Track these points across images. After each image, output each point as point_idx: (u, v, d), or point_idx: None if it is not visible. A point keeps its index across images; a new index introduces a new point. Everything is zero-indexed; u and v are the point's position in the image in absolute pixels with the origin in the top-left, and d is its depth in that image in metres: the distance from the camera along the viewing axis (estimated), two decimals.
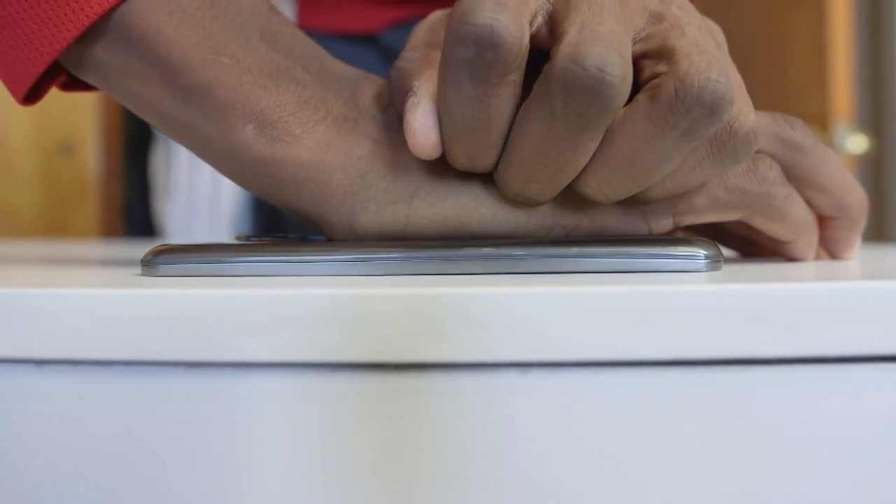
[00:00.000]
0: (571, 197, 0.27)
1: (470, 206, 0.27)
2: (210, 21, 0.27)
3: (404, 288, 0.20)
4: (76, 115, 1.64)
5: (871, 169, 1.93)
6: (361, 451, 0.21)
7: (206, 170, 2.03)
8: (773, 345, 0.21)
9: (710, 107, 0.23)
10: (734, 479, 0.21)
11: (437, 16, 0.30)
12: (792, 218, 0.29)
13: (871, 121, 1.93)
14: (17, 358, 0.21)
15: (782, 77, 1.59)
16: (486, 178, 0.27)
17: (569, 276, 0.24)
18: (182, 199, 2.03)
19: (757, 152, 0.29)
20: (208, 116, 0.27)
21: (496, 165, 0.26)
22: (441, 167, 0.27)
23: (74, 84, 0.31)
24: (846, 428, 0.21)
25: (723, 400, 0.21)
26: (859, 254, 0.37)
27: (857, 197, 0.31)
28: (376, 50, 0.68)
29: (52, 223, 1.65)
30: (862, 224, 0.32)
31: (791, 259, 0.32)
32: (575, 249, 0.25)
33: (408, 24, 0.66)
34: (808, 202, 0.31)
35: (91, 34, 0.27)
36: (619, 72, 0.22)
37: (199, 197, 2.02)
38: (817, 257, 0.33)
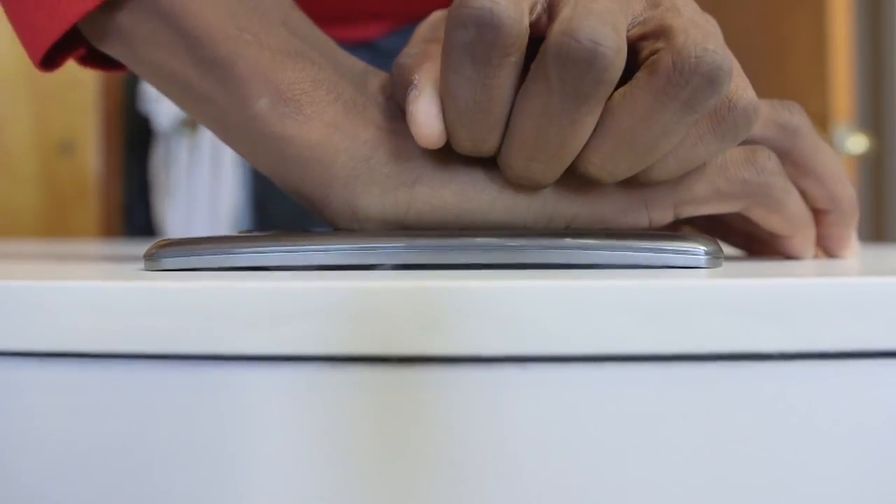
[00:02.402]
0: (571, 186, 0.27)
1: (471, 193, 0.27)
2: (235, 3, 0.29)
3: (406, 281, 0.20)
4: (76, 115, 1.64)
5: (871, 169, 1.93)
6: (363, 443, 0.21)
7: (205, 170, 2.03)
8: (774, 340, 0.21)
9: (709, 76, 0.23)
10: (736, 473, 0.21)
11: (438, 14, 0.30)
12: (789, 210, 0.29)
13: (871, 121, 1.93)
14: (19, 351, 0.21)
15: (782, 77, 1.59)
16: (488, 167, 0.27)
17: (570, 271, 0.24)
18: (182, 199, 2.03)
19: (755, 141, 0.30)
20: (227, 89, 0.28)
21: (499, 149, 0.26)
22: (443, 154, 0.27)
23: (93, 60, 0.32)
24: (847, 423, 0.21)
25: (724, 395, 0.21)
26: (859, 253, 0.37)
27: (848, 190, 0.32)
28: (373, 53, 0.68)
29: (52, 223, 1.65)
30: (854, 220, 0.32)
31: (790, 256, 0.32)
32: (575, 242, 0.25)
33: (406, 30, 0.67)
34: (803, 193, 0.31)
35: (117, 2, 0.28)
36: (612, 43, 0.22)
37: (199, 197, 2.02)
38: (816, 256, 0.33)
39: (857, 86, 1.83)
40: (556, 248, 0.25)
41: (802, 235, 0.31)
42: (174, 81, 0.29)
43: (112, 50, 0.30)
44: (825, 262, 0.31)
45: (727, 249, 0.37)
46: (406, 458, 0.21)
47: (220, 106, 0.29)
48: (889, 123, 1.92)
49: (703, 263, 0.25)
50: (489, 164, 0.27)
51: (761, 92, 0.32)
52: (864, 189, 1.94)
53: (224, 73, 0.28)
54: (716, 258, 0.25)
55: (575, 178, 0.27)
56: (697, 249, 0.25)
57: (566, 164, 0.26)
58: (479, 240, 0.25)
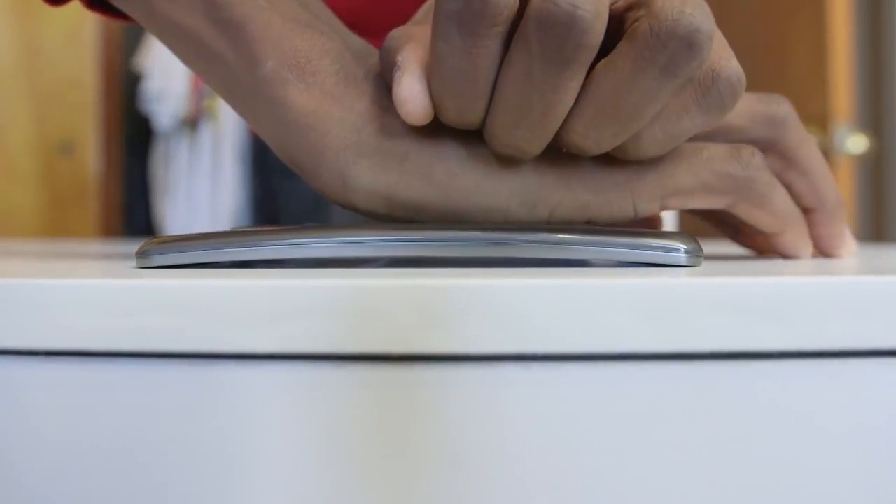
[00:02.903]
0: (557, 172, 0.27)
1: (458, 173, 0.27)
2: None
3: (406, 279, 0.20)
4: (76, 115, 1.64)
5: (871, 169, 1.93)
6: (363, 442, 0.21)
7: (205, 170, 2.04)
8: (774, 339, 0.21)
9: (686, 40, 0.23)
10: (736, 472, 0.21)
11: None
12: (776, 206, 0.30)
13: (871, 121, 1.93)
14: (15, 349, 0.21)
15: (782, 77, 1.59)
16: (476, 149, 0.28)
17: (572, 269, 0.24)
18: (182, 199, 2.04)
19: (743, 131, 0.31)
20: (238, 49, 0.29)
21: (485, 120, 0.27)
22: (433, 135, 0.28)
23: (98, 5, 0.34)
24: (847, 423, 0.21)
25: (725, 393, 0.21)
26: (859, 253, 0.37)
27: (833, 188, 0.32)
28: None
29: (52, 223, 1.65)
30: (842, 217, 0.33)
31: (785, 255, 0.32)
32: (555, 237, 0.25)
33: None
34: (789, 188, 0.31)
35: None
36: (591, 7, 0.23)
37: (198, 197, 2.02)
38: (813, 256, 0.33)
39: (857, 86, 1.83)
40: (536, 242, 0.25)
41: (792, 232, 0.31)
42: (187, 39, 0.30)
43: (125, 3, 0.31)
44: (824, 262, 0.31)
45: (727, 248, 0.37)
46: (406, 457, 0.21)
47: (230, 66, 0.29)
48: (889, 123, 1.92)
49: (682, 261, 0.25)
50: (477, 146, 0.28)
51: (761, 92, 0.33)
52: (864, 189, 1.94)
53: (237, 33, 0.29)
54: (696, 256, 0.26)
55: (561, 166, 0.28)
56: (677, 247, 0.25)
57: (551, 131, 0.26)
58: (462, 233, 0.25)
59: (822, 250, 0.33)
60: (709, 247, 0.43)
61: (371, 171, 0.28)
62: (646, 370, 0.21)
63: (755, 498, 0.21)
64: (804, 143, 0.31)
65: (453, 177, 0.27)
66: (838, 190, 0.32)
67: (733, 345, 0.21)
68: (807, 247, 0.32)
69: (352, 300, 0.20)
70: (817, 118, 1.54)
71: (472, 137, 0.28)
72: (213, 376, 0.21)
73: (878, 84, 1.95)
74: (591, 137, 0.26)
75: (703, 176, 0.28)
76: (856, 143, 1.54)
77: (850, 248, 0.33)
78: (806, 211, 0.32)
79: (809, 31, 1.56)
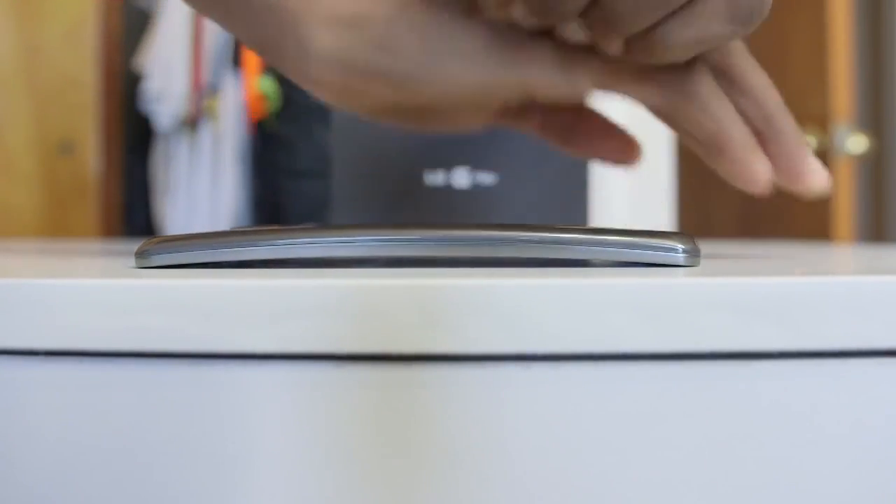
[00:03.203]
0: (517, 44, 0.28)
1: (419, 40, 0.28)
2: None
3: (407, 279, 0.20)
4: (76, 115, 1.64)
5: (871, 169, 1.93)
6: (364, 442, 0.21)
7: (205, 170, 2.04)
8: (774, 339, 0.21)
9: None
10: (736, 472, 0.21)
11: None
12: (714, 108, 0.29)
13: (871, 121, 1.93)
14: (14, 349, 0.21)
15: (782, 77, 1.58)
16: (440, 18, 0.28)
17: (572, 269, 0.24)
18: (182, 199, 2.04)
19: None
20: None
21: None
22: (395, 4, 0.28)
23: None
24: (847, 423, 0.21)
25: (725, 393, 0.21)
26: (858, 252, 0.37)
27: (786, 113, 0.30)
28: None
29: (51, 223, 1.65)
30: (802, 139, 0.30)
31: (743, 182, 0.29)
32: (556, 236, 0.25)
33: None
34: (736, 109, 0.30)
35: None
36: None
37: (199, 197, 2.02)
38: (778, 188, 0.30)
39: (857, 86, 1.83)
40: (536, 242, 0.25)
41: (740, 142, 0.29)
42: None
43: None
44: (824, 262, 0.31)
45: (725, 248, 0.37)
46: (407, 457, 0.21)
47: None
48: (889, 123, 1.92)
49: (680, 261, 0.26)
50: (445, 20, 0.28)
51: None
52: (864, 189, 1.94)
53: None
54: (693, 256, 0.26)
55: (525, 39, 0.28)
56: (675, 247, 0.26)
57: None
58: (461, 233, 0.26)
59: (785, 178, 0.30)
60: (707, 247, 0.43)
61: (331, 38, 0.28)
62: (645, 370, 0.21)
63: (755, 498, 0.21)
64: (755, 69, 0.30)
65: (412, 44, 0.28)
66: (793, 120, 0.30)
67: (733, 345, 0.21)
68: (762, 163, 0.29)
69: (352, 300, 0.20)
70: (817, 118, 1.54)
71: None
72: (213, 376, 0.21)
73: (878, 84, 1.95)
74: (629, 6, 0.25)
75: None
76: (856, 143, 1.54)
77: (819, 176, 0.30)
78: (757, 134, 0.30)
79: (809, 31, 1.56)
